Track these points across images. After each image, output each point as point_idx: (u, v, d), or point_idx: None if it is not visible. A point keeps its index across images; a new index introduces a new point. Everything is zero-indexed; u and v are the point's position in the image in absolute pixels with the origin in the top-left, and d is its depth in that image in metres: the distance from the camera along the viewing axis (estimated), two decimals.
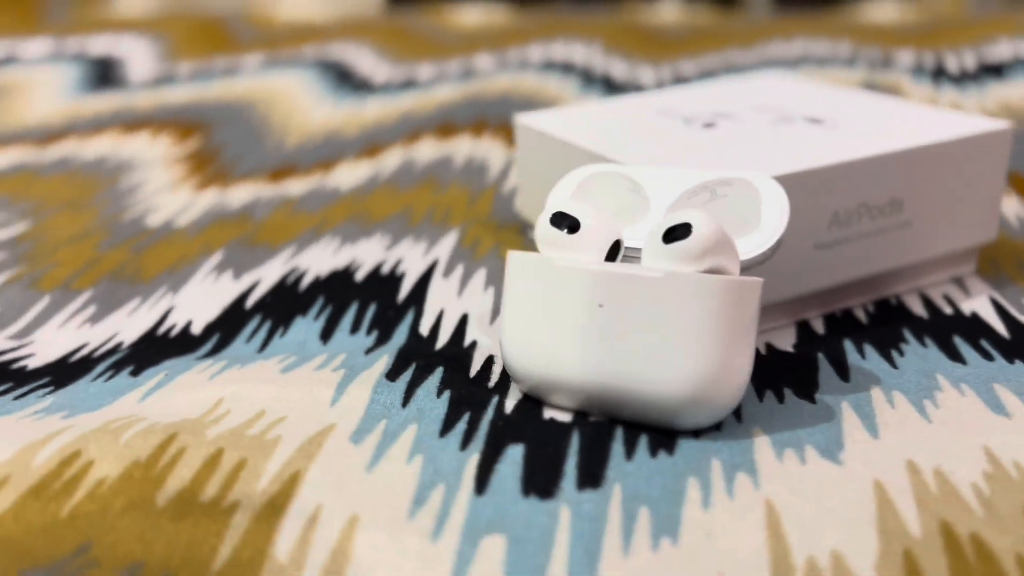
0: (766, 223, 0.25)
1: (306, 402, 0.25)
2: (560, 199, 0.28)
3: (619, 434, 0.23)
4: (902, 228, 0.31)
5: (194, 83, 0.67)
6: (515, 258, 0.25)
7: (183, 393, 0.26)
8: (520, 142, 0.37)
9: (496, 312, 0.31)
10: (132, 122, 0.57)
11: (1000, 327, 0.30)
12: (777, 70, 0.64)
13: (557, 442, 0.23)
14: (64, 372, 0.29)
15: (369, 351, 0.29)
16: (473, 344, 0.29)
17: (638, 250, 0.26)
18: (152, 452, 0.22)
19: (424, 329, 0.30)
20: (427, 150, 0.50)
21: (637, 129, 0.34)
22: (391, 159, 0.49)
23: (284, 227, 0.40)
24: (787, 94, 0.38)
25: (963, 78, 0.60)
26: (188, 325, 0.32)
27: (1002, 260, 0.35)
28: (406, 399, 0.25)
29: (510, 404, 0.25)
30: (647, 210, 0.27)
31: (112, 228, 0.40)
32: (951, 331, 0.30)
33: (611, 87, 0.63)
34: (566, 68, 0.69)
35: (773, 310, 0.30)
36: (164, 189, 0.45)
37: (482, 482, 0.22)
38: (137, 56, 0.75)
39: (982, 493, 0.21)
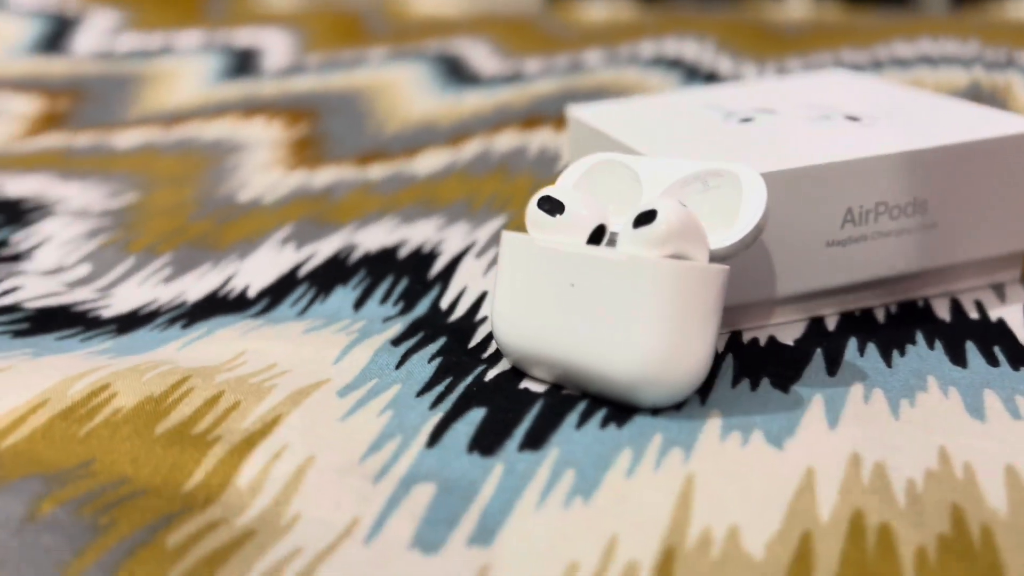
0: (742, 216, 0.25)
1: (313, 359, 0.28)
2: (563, 183, 0.29)
3: (581, 407, 0.25)
4: (927, 230, 0.31)
5: (319, 73, 0.72)
6: (506, 238, 0.27)
7: (215, 345, 0.29)
8: (570, 132, 0.39)
9: None
10: (252, 108, 0.62)
11: None
12: (863, 69, 0.62)
13: (519, 409, 0.25)
14: (129, 322, 0.33)
15: (388, 319, 0.31)
16: (484, 319, 0.31)
17: None
18: (165, 390, 0.26)
19: (444, 303, 0.33)
20: (507, 140, 0.52)
21: (673, 122, 0.35)
22: (471, 148, 0.51)
23: (355, 207, 0.43)
24: (841, 92, 0.38)
25: None
26: (245, 289, 0.35)
27: None
28: (401, 363, 0.28)
29: (493, 373, 0.27)
30: (640, 198, 0.28)
31: (205, 201, 0.44)
32: (966, 336, 0.29)
33: (712, 83, 0.63)
34: (672, 64, 0.69)
35: (783, 305, 0.31)
36: (261, 169, 0.49)
37: (435, 438, 0.23)
38: (275, 48, 0.81)
39: (914, 489, 0.21)
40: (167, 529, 0.20)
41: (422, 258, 0.36)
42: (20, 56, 0.76)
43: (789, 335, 0.30)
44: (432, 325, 0.31)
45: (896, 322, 0.30)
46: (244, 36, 0.85)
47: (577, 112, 0.38)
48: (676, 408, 0.25)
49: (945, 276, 0.32)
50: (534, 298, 0.26)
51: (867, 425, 0.24)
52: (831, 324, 0.30)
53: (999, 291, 0.32)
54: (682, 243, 0.24)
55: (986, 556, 0.19)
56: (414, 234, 0.39)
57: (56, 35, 0.82)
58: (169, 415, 0.25)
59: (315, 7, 0.99)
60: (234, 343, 0.29)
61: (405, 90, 0.66)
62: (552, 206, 0.26)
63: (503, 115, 0.58)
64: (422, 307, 0.32)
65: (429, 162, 0.50)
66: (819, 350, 0.29)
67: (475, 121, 0.57)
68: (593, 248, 0.25)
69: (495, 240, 0.38)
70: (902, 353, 0.28)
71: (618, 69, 0.69)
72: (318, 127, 0.58)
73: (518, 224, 0.40)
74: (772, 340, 0.29)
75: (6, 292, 0.34)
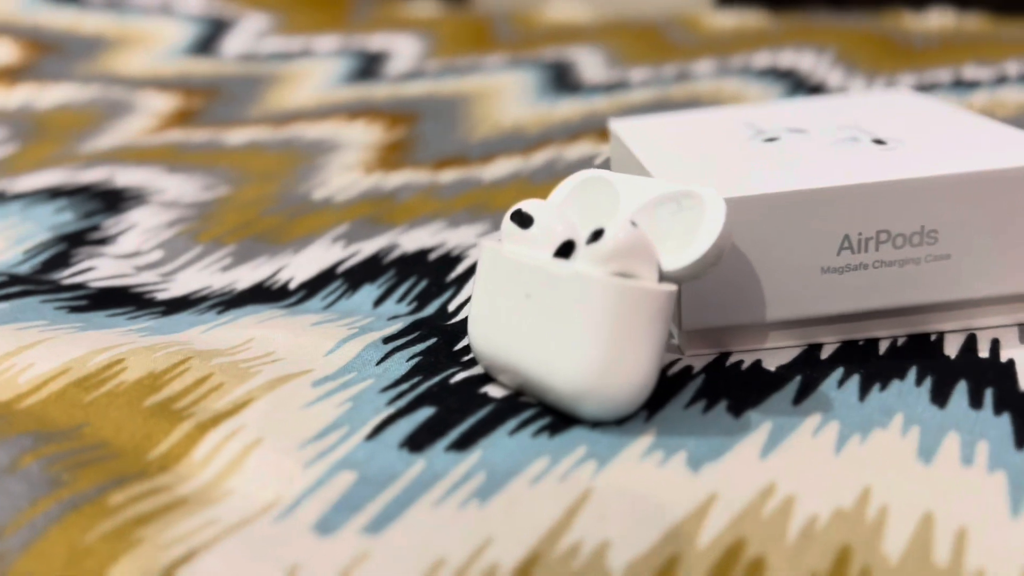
0: (697, 238, 0.26)
1: (307, 349, 0.30)
2: (553, 198, 0.30)
3: (526, 414, 0.26)
4: (938, 261, 0.29)
5: (433, 78, 0.75)
6: (483, 247, 0.28)
7: (231, 330, 0.32)
8: (612, 145, 0.39)
9: None
10: (359, 111, 0.66)
11: None
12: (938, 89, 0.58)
13: (466, 412, 0.26)
14: (177, 305, 0.36)
15: (393, 317, 0.33)
16: None
17: None
18: (166, 368, 0.29)
19: (452, 306, 0.34)
20: (580, 150, 0.53)
21: (697, 139, 0.35)
22: (542, 156, 0.52)
23: (413, 209, 0.45)
24: (884, 112, 0.36)
25: None
26: (288, 281, 0.38)
27: None
28: (383, 359, 0.30)
29: (461, 376, 0.28)
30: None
31: (282, 198, 0.48)
32: (963, 375, 0.28)
33: (815, 95, 0.61)
34: (782, 75, 0.67)
35: (778, 329, 0.30)
36: (343, 170, 0.53)
37: (377, 431, 0.25)
38: (403, 52, 0.85)
39: (813, 526, 0.21)
40: (115, 490, 0.23)
41: (448, 261, 0.38)
42: (174, 57, 0.84)
43: (777, 360, 0.29)
44: (431, 326, 0.32)
45: (897, 355, 0.29)
46: (378, 41, 0.89)
47: (616, 125, 0.39)
48: (618, 423, 0.25)
49: (964, 311, 0.31)
50: (498, 306, 0.27)
51: (799, 458, 0.23)
52: (827, 352, 0.30)
53: None
54: (628, 262, 0.25)
55: None
56: (452, 238, 0.41)
57: (209, 38, 0.89)
58: (161, 390, 0.28)
59: (452, 14, 1.02)
60: (248, 330, 0.32)
61: (506, 97, 0.68)
62: (523, 219, 0.27)
63: (588, 124, 0.59)
64: (431, 308, 0.34)
65: (498, 169, 0.51)
66: (799, 378, 0.28)
67: (560, 129, 0.58)
68: (546, 261, 0.26)
69: None
70: (883, 387, 0.27)
71: (722, 80, 0.68)
72: (413, 131, 0.61)
73: None
74: (756, 364, 0.29)
75: (80, 271, 0.39)
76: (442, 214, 0.44)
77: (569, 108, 0.64)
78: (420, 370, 0.29)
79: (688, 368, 0.29)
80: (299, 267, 0.40)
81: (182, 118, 0.67)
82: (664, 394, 0.27)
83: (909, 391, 0.27)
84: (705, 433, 0.25)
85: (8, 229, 0.43)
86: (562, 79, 0.72)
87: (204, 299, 0.37)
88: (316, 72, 0.80)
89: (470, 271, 0.37)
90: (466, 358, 0.30)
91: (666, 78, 0.70)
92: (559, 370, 0.25)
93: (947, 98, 0.57)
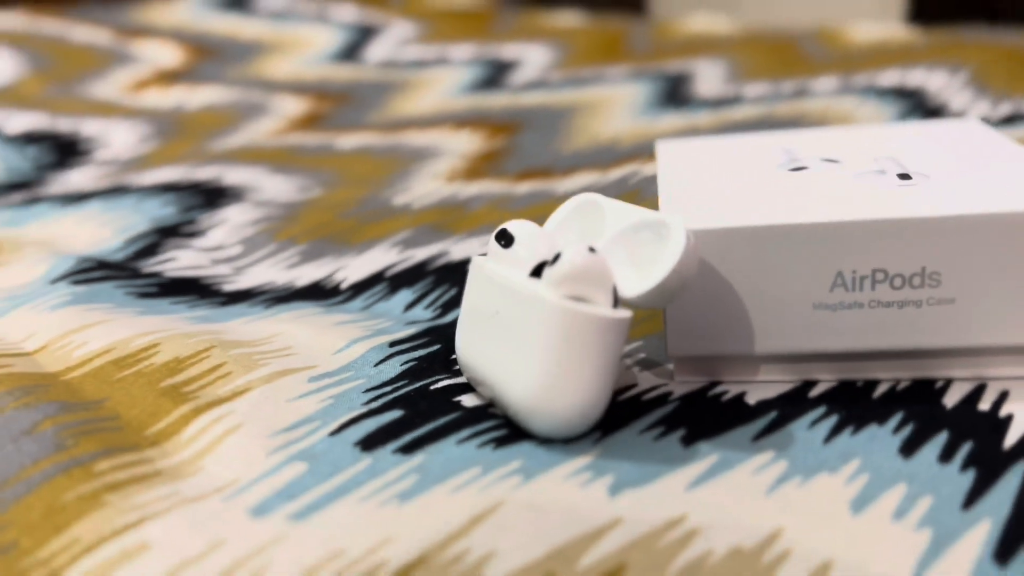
0: (656, 267, 0.26)
1: (321, 346, 0.33)
2: (552, 219, 0.31)
3: (483, 425, 0.27)
4: (941, 305, 0.28)
5: (553, 89, 0.77)
6: (472, 262, 0.30)
7: (266, 324, 0.35)
8: (657, 164, 0.40)
9: None
10: (467, 120, 0.69)
11: (1014, 438, 0.26)
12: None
13: (430, 418, 0.28)
14: (236, 298, 0.40)
15: (411, 323, 0.35)
16: None
17: None
18: (190, 354, 0.32)
19: None
20: (655, 168, 0.53)
21: (723, 165, 0.35)
22: (619, 171, 0.53)
23: (478, 219, 0.47)
24: (932, 145, 0.35)
25: None
26: (341, 282, 0.41)
27: None
28: (382, 361, 0.32)
29: (444, 384, 0.30)
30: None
31: (364, 202, 0.51)
32: (946, 426, 0.26)
33: (934, 118, 0.58)
34: (905, 95, 0.64)
35: (770, 363, 0.30)
36: (431, 177, 0.55)
37: (342, 428, 0.27)
38: (532, 61, 0.87)
39: (705, 561, 0.21)
40: (105, 458, 0.26)
41: None
42: (319, 63, 0.90)
43: (764, 394, 0.29)
44: (441, 333, 0.34)
45: (891, 399, 0.28)
46: (511, 50, 0.92)
47: (661, 146, 0.39)
48: (566, 442, 0.26)
49: (975, 359, 0.29)
50: (476, 320, 0.28)
51: (725, 494, 0.23)
52: (820, 390, 0.29)
53: None
54: (582, 286, 0.26)
55: None
56: None
57: (356, 45, 0.95)
58: (179, 374, 0.31)
59: (592, 24, 1.03)
60: (276, 324, 0.35)
61: (614, 109, 0.69)
62: (505, 238, 0.29)
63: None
64: (450, 316, 0.36)
65: (574, 183, 0.52)
66: (774, 414, 0.28)
67: (652, 145, 0.59)
68: (512, 279, 0.27)
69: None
70: (856, 432, 0.26)
71: (838, 98, 0.65)
72: (511, 141, 0.63)
73: None
74: (738, 397, 0.29)
75: (162, 261, 0.43)
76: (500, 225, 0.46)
77: (670, 123, 0.64)
78: (409, 375, 0.31)
79: (667, 395, 0.29)
80: (355, 269, 0.42)
81: (309, 122, 0.72)
82: (629, 417, 0.28)
83: (881, 438, 0.26)
84: (644, 460, 0.25)
85: (119, 219, 0.48)
86: (675, 93, 0.72)
87: (262, 293, 0.40)
88: (443, 80, 0.83)
89: None
90: (458, 366, 0.31)
91: (781, 94, 0.68)
92: (513, 385, 0.26)
93: None
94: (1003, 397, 0.28)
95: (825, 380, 0.30)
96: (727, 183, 0.32)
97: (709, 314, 0.29)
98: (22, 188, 0.57)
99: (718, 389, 0.29)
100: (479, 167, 0.57)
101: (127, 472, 0.25)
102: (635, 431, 0.27)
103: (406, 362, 0.31)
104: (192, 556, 0.22)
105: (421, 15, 1.07)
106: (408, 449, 0.26)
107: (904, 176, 0.31)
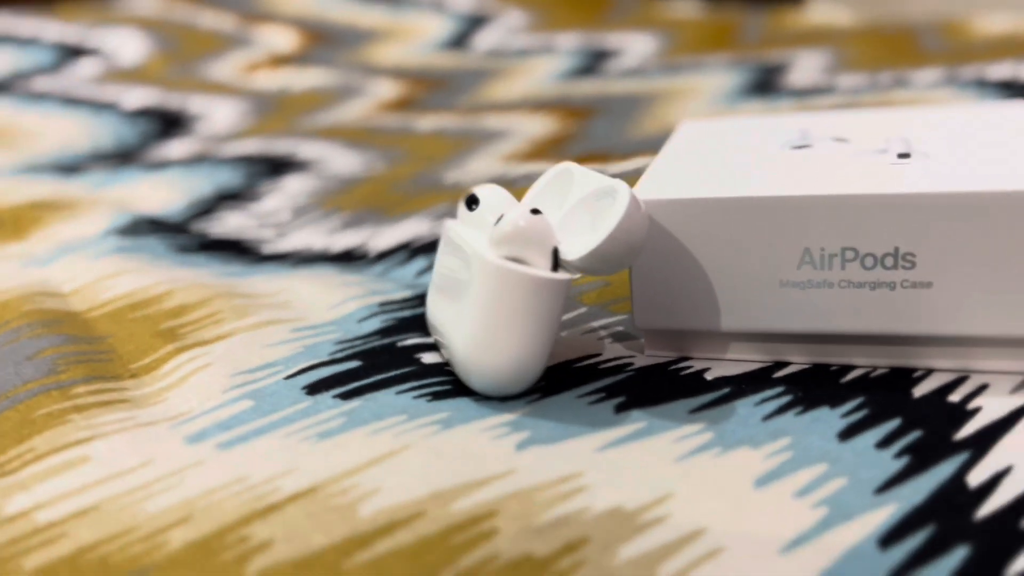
0: (597, 233, 0.26)
1: (318, 302, 0.34)
2: (533, 188, 0.32)
3: (431, 379, 0.28)
4: (916, 289, 0.27)
5: (645, 77, 0.76)
6: (443, 225, 0.30)
7: (278, 280, 0.37)
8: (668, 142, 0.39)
9: None
10: (547, 104, 0.69)
11: (969, 431, 0.24)
12: None
13: (383, 368, 0.28)
14: (270, 258, 0.42)
15: (411, 287, 0.36)
16: None
17: None
18: (196, 301, 0.34)
19: None
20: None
21: (731, 143, 0.34)
22: None
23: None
24: (956, 127, 0.32)
25: None
26: (370, 248, 0.43)
27: None
28: (366, 319, 0.33)
29: (413, 341, 0.31)
30: None
31: (418, 178, 0.52)
32: (901, 415, 0.25)
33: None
34: (1016, 89, 0.60)
35: (740, 340, 0.29)
36: (488, 158, 0.56)
37: (298, 373, 0.29)
38: (634, 50, 0.86)
39: (572, 518, 0.21)
40: (85, 384, 0.28)
41: None
42: (427, 50, 0.92)
43: (728, 371, 0.28)
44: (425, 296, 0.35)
45: (857, 385, 0.27)
46: (615, 39, 0.91)
47: (682, 125, 0.38)
48: (502, 400, 0.26)
49: (958, 350, 0.27)
50: (439, 282, 0.29)
51: (632, 458, 0.23)
52: (786, 371, 0.28)
53: None
54: (521, 247, 0.26)
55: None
56: None
57: (465, 33, 0.97)
58: (179, 317, 0.33)
59: (706, 15, 1.01)
60: (288, 282, 0.37)
61: (697, 97, 0.68)
62: (470, 200, 0.29)
63: None
64: None
65: (626, 165, 0.52)
66: (726, 390, 0.27)
67: None
68: (463, 239, 0.28)
69: None
70: (802, 412, 0.25)
71: (934, 90, 0.62)
72: (583, 126, 0.63)
73: None
74: (698, 372, 0.28)
75: (211, 221, 0.46)
76: None
77: (747, 111, 0.62)
78: (383, 332, 0.32)
79: (627, 365, 0.29)
80: (386, 237, 0.44)
81: (400, 105, 0.74)
82: (577, 383, 0.28)
83: (825, 420, 0.25)
84: (568, 421, 0.25)
85: (191, 185, 0.52)
86: (765, 82, 0.70)
87: (295, 255, 0.42)
88: (540, 67, 0.84)
89: None
90: None
91: (877, 85, 0.65)
92: (453, 342, 0.27)
93: None
94: (980, 390, 0.26)
95: (799, 363, 0.29)
96: (720, 160, 0.32)
97: (675, 287, 0.29)
98: (126, 157, 0.62)
99: (683, 364, 0.29)
100: (542, 150, 0.57)
101: (97, 397, 0.28)
102: (569, 395, 0.27)
103: (386, 320, 0.33)
104: (121, 471, 0.24)
105: (536, 4, 1.08)
106: (349, 396, 0.27)
107: (904, 155, 0.30)
